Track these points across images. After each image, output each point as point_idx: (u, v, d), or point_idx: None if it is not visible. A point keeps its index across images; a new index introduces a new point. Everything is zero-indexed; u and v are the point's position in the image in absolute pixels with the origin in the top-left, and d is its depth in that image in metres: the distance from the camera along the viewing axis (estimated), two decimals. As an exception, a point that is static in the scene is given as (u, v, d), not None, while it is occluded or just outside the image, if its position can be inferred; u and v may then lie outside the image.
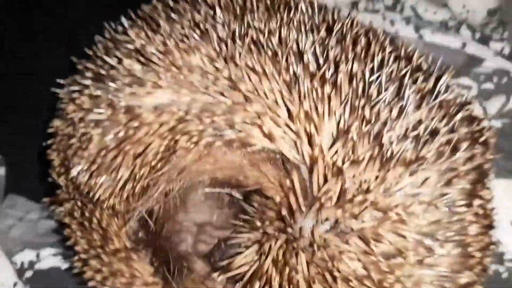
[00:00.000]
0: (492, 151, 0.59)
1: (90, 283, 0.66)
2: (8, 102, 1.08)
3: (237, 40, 0.55)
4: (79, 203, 0.64)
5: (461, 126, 0.55)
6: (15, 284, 0.83)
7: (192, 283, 0.61)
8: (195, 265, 0.62)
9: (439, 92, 0.54)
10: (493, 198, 0.59)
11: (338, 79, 0.51)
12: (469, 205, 0.52)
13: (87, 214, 0.63)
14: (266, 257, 0.49)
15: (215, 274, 0.57)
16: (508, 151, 0.76)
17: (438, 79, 0.56)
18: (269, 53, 0.54)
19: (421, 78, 0.55)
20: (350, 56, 0.54)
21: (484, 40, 0.99)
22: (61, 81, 0.67)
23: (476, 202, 0.53)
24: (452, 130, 0.53)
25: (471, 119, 0.58)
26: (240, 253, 0.52)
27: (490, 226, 0.57)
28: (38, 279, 0.85)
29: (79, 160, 0.59)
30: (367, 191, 0.48)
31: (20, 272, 0.85)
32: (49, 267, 0.86)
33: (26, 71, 1.08)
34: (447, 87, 0.57)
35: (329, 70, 0.52)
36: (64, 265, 0.85)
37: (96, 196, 0.59)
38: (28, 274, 0.85)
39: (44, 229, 0.89)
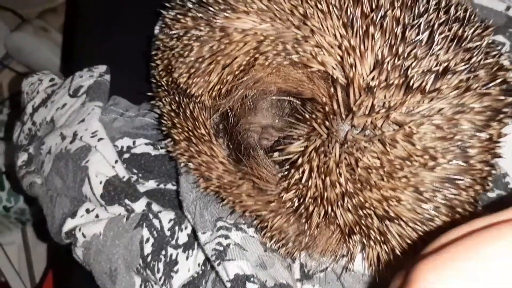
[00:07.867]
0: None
1: (180, 161, 0.82)
2: (114, 19, 1.20)
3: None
4: (176, 98, 0.78)
5: (483, 69, 0.61)
6: (116, 161, 0.97)
7: (255, 164, 0.75)
8: (259, 153, 0.76)
9: (469, 39, 0.61)
10: (503, 134, 0.64)
11: (384, 23, 0.60)
12: (474, 135, 0.60)
13: (182, 105, 0.77)
14: (310, 146, 0.63)
15: (273, 153, 0.71)
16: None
17: (474, 30, 0.63)
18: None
19: (456, 27, 0.61)
20: (397, 4, 0.61)
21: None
22: (167, 4, 0.77)
23: (483, 134, 0.61)
24: (472, 70, 0.60)
25: (497, 66, 0.64)
26: (292, 143, 0.67)
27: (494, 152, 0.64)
28: (133, 160, 0.99)
29: (181, 65, 0.71)
30: (391, 108, 0.59)
31: (120, 153, 0.99)
32: (142, 152, 1.00)
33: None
34: (481, 37, 0.63)
35: (377, 15, 0.60)
36: (153, 152, 0.99)
37: (192, 93, 0.71)
38: (126, 155, 1.00)
39: (139, 124, 1.02)
